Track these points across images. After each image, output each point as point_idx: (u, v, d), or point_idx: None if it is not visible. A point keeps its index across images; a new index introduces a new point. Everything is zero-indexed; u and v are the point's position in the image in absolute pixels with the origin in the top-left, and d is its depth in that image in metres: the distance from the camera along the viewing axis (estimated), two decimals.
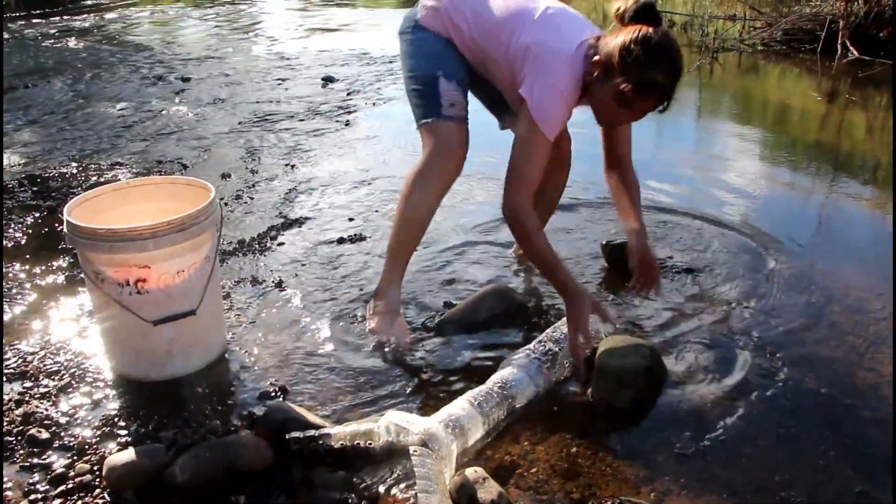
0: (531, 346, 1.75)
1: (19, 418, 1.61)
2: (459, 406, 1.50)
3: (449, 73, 1.89)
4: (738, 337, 1.93)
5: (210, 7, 10.91)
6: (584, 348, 1.71)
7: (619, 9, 1.73)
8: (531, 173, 1.77)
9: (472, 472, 1.37)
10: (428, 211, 1.93)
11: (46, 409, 1.65)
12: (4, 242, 2.53)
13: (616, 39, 1.67)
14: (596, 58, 1.71)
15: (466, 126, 1.91)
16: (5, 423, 1.58)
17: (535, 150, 1.76)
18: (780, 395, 1.70)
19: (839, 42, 5.88)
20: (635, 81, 1.64)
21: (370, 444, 1.43)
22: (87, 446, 1.53)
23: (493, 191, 2.91)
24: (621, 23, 1.72)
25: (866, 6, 5.86)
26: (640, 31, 1.65)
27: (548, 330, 1.82)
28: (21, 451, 1.51)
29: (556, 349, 1.73)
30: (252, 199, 3.01)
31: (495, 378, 1.61)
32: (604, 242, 2.35)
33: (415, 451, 1.35)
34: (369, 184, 3.17)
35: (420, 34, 1.93)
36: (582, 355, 1.71)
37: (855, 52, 5.67)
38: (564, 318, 1.86)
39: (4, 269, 2.33)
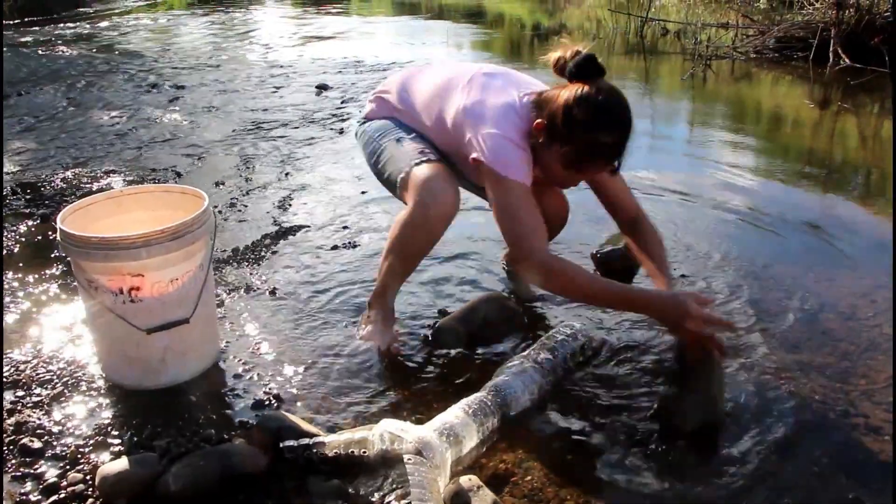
0: (525, 353, 1.74)
1: (11, 427, 1.60)
2: (454, 414, 1.50)
3: (407, 131, 1.87)
4: (731, 344, 1.93)
5: (205, 15, 10.93)
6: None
7: (558, 60, 1.66)
8: (527, 224, 1.63)
9: (466, 481, 1.37)
10: (427, 249, 1.84)
11: (39, 419, 1.64)
12: None
13: (558, 100, 1.60)
14: (538, 121, 1.63)
15: (446, 166, 1.76)
16: None
17: (517, 201, 1.63)
18: (774, 401, 1.70)
19: (831, 50, 5.93)
20: (581, 145, 1.58)
21: (364, 452, 1.43)
22: (79, 455, 1.52)
23: None
24: (560, 75, 1.66)
25: (857, 14, 5.92)
26: (581, 91, 1.57)
27: (542, 338, 1.82)
28: (13, 461, 1.50)
29: (551, 357, 1.73)
30: (246, 206, 3.01)
31: (490, 386, 1.61)
32: (594, 252, 2.35)
33: (409, 459, 1.34)
34: (363, 192, 3.18)
35: (369, 123, 1.99)
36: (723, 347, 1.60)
37: (846, 60, 5.72)
38: (559, 326, 1.87)
39: None
